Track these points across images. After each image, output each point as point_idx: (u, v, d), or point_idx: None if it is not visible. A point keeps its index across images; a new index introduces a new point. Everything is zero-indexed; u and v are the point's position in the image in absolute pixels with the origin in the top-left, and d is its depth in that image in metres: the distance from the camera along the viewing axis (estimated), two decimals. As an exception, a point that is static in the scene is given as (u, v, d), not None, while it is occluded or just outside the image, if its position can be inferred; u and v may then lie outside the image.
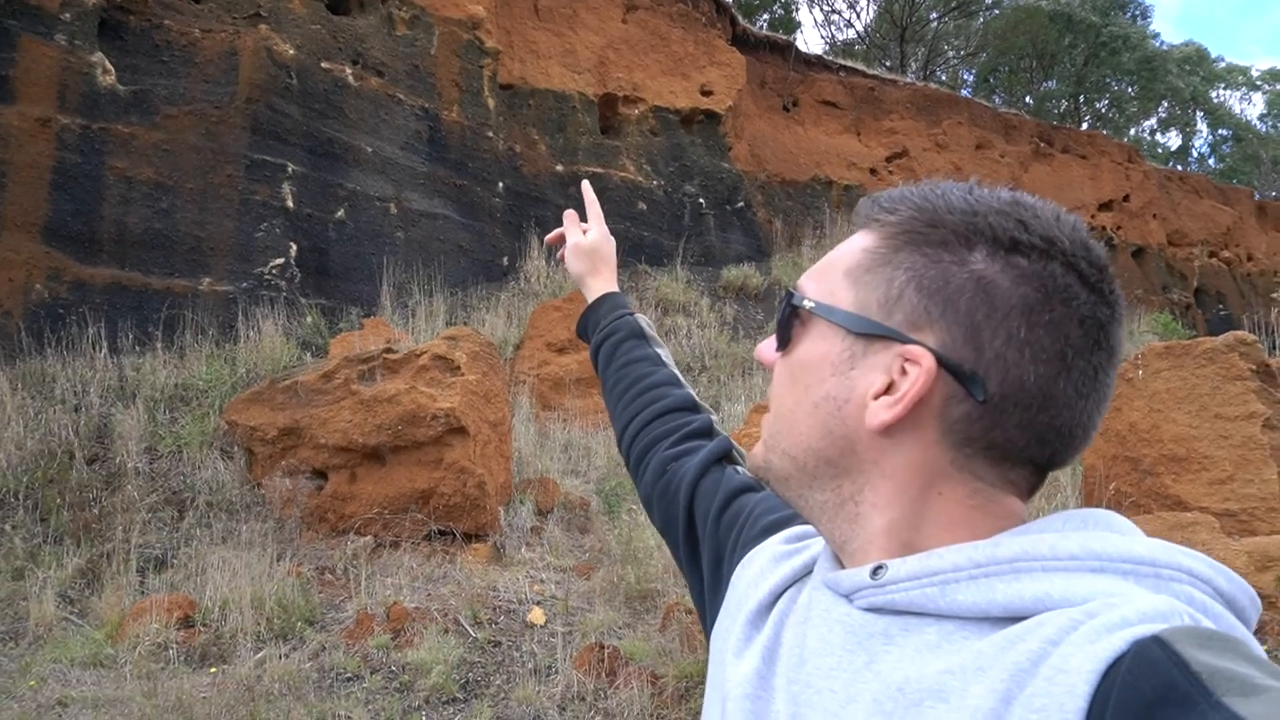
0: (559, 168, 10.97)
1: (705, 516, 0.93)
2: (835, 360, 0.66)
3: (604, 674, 3.96)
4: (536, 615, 4.79)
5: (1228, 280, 18.41)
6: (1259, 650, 0.51)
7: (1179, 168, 20.66)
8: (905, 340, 0.62)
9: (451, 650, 4.17)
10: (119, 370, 6.96)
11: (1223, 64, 25.50)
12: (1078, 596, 0.55)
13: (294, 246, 8.19)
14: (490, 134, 10.25)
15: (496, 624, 4.69)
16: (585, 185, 1.41)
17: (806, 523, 0.78)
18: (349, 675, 4.07)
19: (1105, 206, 16.78)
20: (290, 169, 8.21)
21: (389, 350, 5.78)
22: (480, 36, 10.10)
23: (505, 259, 10.20)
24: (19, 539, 5.33)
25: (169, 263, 7.63)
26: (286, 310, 7.90)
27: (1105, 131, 19.03)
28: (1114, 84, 19.52)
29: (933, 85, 16.14)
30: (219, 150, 7.88)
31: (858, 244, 0.68)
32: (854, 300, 0.66)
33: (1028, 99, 20.24)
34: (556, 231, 1.36)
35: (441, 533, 5.49)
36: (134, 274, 7.48)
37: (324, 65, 8.67)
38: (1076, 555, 0.57)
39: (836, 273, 0.68)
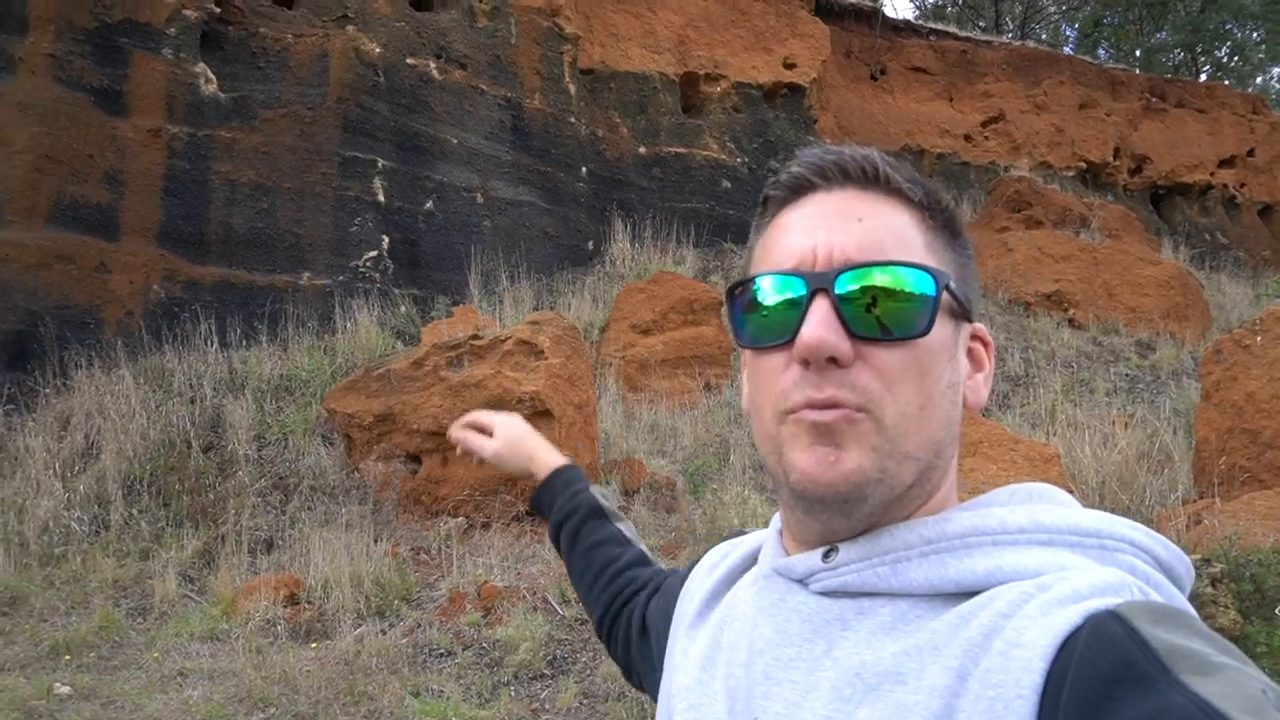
0: (641, 150, 10.97)
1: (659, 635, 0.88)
2: (949, 344, 0.64)
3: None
4: (622, 594, 4.84)
5: (1369, 236, 16.97)
6: (1203, 624, 0.51)
7: (1311, 116, 19.07)
8: (972, 320, 0.67)
9: (539, 628, 4.26)
10: (229, 363, 7.36)
11: (1361, 0, 23.33)
12: (1029, 569, 0.55)
13: (386, 239, 8.47)
14: (572, 119, 10.32)
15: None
16: (451, 436, 1.34)
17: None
18: (442, 651, 4.22)
19: (1227, 163, 15.69)
20: (380, 164, 8.48)
21: (475, 337, 5.93)
22: (559, 23, 10.17)
23: (590, 243, 10.28)
24: (145, 523, 5.71)
25: (271, 260, 8.01)
26: (380, 301, 8.19)
27: (1227, 82, 17.75)
28: (1235, 30, 18.15)
29: (1031, 44, 15.38)
30: (313, 149, 8.20)
31: (906, 215, 0.64)
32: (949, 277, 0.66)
33: (1137, 53, 19.05)
34: (463, 446, 1.32)
35: (529, 514, 5.61)
36: (240, 272, 7.88)
37: (409, 61, 8.89)
38: (1025, 528, 0.57)
39: (918, 248, 0.63)
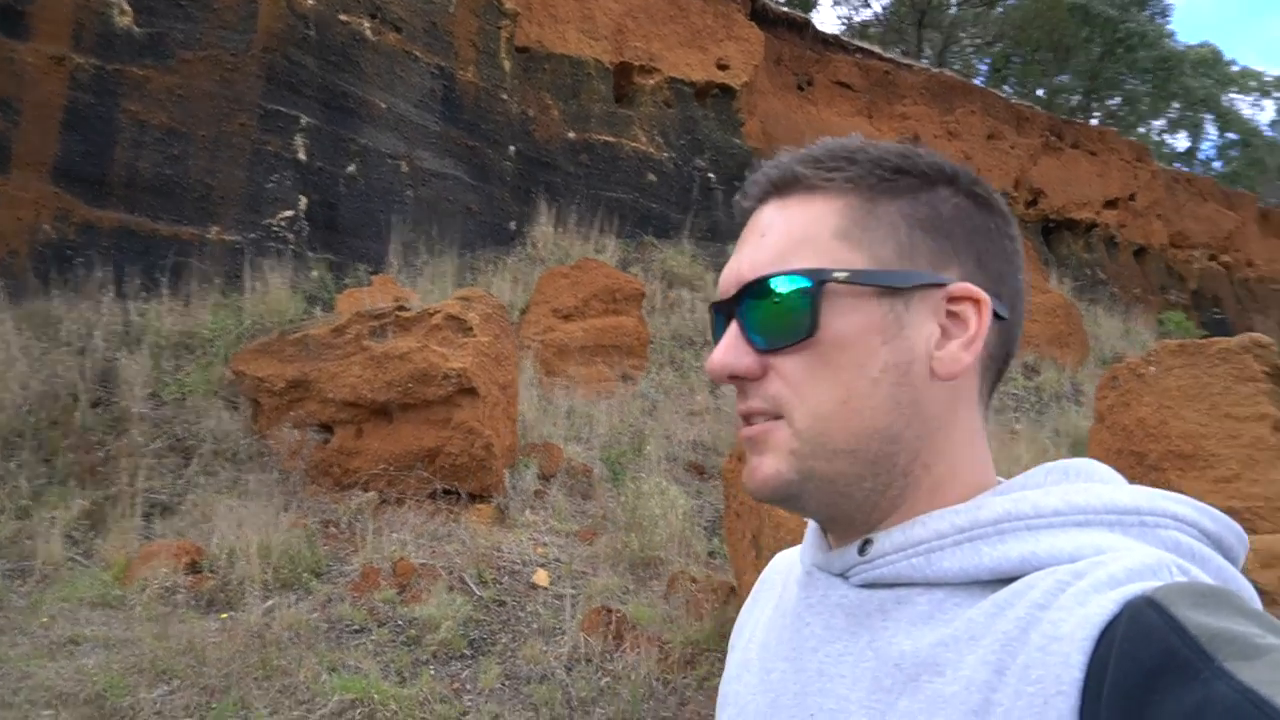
0: (571, 134, 10.89)
1: None
2: (881, 326, 0.60)
3: (610, 637, 4.00)
4: (541, 577, 4.83)
5: (1225, 285, 18.49)
6: (1252, 598, 0.51)
7: (1184, 169, 20.65)
8: (943, 283, 0.61)
9: (459, 607, 4.20)
10: (124, 315, 6.92)
11: (1236, 68, 25.55)
12: (1064, 554, 0.54)
13: (303, 199, 8.14)
14: (504, 96, 10.16)
15: (501, 584, 4.73)
16: None
17: None
18: (356, 627, 4.11)
19: (1111, 204, 16.79)
20: (303, 121, 8.14)
21: (402, 308, 5.77)
22: (499, -3, 9.98)
23: (513, 223, 10.15)
24: (24, 479, 5.32)
25: (178, 209, 7.57)
26: (294, 263, 7.86)
27: (1116, 129, 18.98)
28: (1127, 81, 19.45)
29: (948, 73, 16.05)
30: (233, 98, 7.79)
31: (821, 207, 0.63)
32: (868, 259, 0.61)
33: (1039, 91, 20.14)
34: None
35: (446, 492, 5.52)
36: (143, 219, 7.42)
37: (342, 18, 8.56)
38: (1060, 510, 0.56)
39: (822, 239, 0.62)
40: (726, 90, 12.26)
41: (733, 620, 3.06)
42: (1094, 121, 18.92)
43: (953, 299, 0.61)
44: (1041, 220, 16.18)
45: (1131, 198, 17.02)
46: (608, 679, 3.80)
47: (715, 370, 0.64)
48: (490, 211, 9.90)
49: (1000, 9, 19.77)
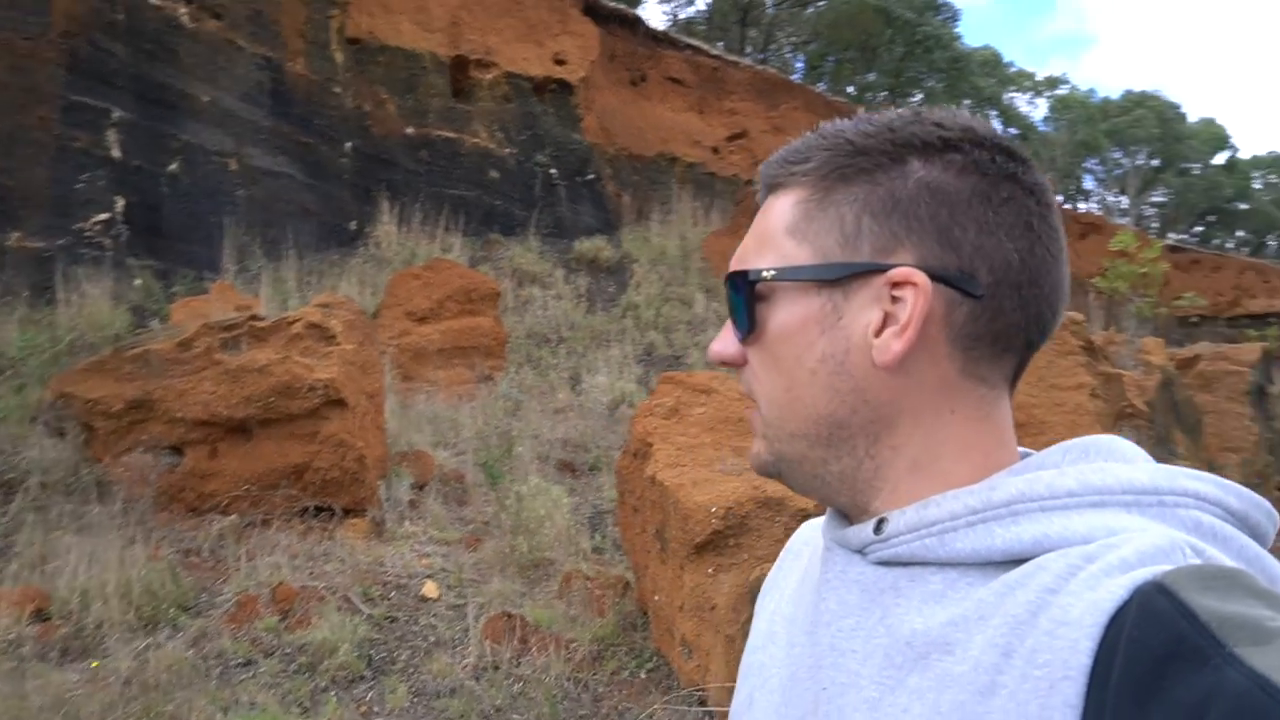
0: (409, 130, 10.56)
1: None
2: (819, 318, 0.62)
3: (515, 642, 3.97)
4: (430, 589, 4.71)
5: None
6: (1268, 576, 0.51)
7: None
8: (884, 268, 0.60)
9: (355, 629, 4.03)
10: (-88, 335, 6.10)
11: (1013, 69, 28.37)
12: (1077, 535, 0.53)
13: (120, 201, 7.46)
14: (338, 90, 9.71)
15: (390, 600, 4.57)
16: None
17: None
18: (242, 661, 3.85)
19: (919, 194, 18.17)
20: (115, 115, 7.44)
21: (255, 317, 5.42)
22: (327, -15, 9.51)
23: (353, 223, 9.74)
24: None
25: (-30, 214, 6.74)
26: (113, 272, 7.19)
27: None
28: (926, 80, 21.11)
29: (771, 70, 16.80)
30: (29, 88, 7.01)
31: (785, 203, 0.65)
32: (812, 252, 0.63)
33: (850, 89, 21.46)
34: None
35: (318, 509, 5.26)
36: (-73, 226, 6.55)
37: (154, 2, 7.88)
38: (1075, 491, 0.55)
39: (777, 236, 0.64)
40: (564, 86, 12.26)
41: (632, 613, 3.14)
42: (899, 117, 20.37)
43: (894, 284, 0.60)
44: (860, 210, 17.28)
45: (935, 188, 18.49)
46: (519, 685, 3.77)
47: (709, 356, 0.68)
48: (329, 211, 9.45)
49: (812, 10, 20.88)
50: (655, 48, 14.62)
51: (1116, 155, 30.02)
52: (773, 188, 0.67)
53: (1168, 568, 0.48)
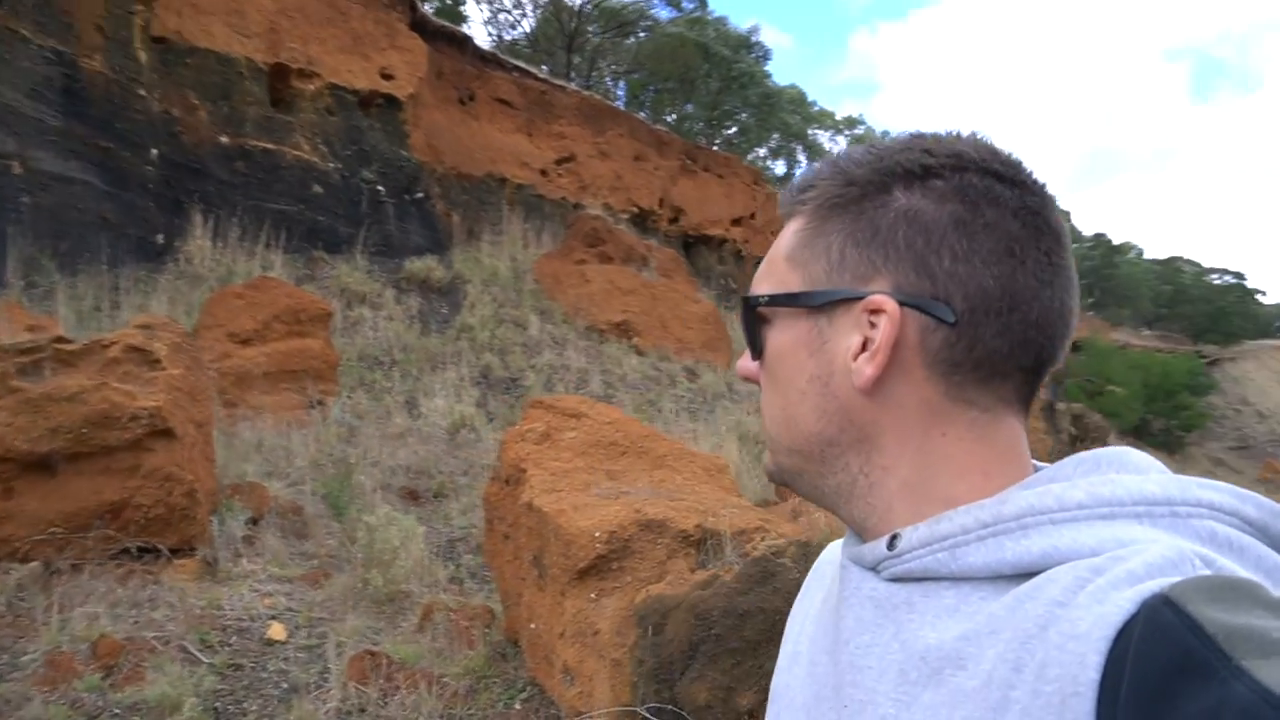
0: (224, 138, 9.87)
1: None
2: (807, 341, 0.65)
3: (382, 681, 3.77)
4: (276, 631, 4.37)
5: (823, 290, 21.87)
6: (1271, 591, 0.49)
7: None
8: (861, 295, 0.62)
9: (200, 680, 3.67)
10: None
11: (816, 108, 30.46)
12: (1086, 547, 0.53)
13: (-124, 206, 6.47)
14: (142, 92, 8.92)
15: (231, 645, 4.20)
16: None
17: None
18: (62, 727, 3.41)
19: (737, 221, 19.04)
20: None
21: (61, 340, 4.86)
22: (130, -22, 8.75)
23: (160, 236, 8.95)
24: None
25: None
26: None
27: (736, 155, 21.52)
28: (739, 114, 22.24)
29: (597, 95, 17.09)
30: None
31: (789, 230, 0.69)
32: (801, 279, 0.66)
33: (670, 118, 22.23)
34: None
35: (141, 550, 4.76)
36: None
37: (-80, -19, 6.94)
38: (1084, 503, 0.55)
39: (779, 263, 0.69)
40: (392, 101, 11.91)
41: (501, 644, 3.12)
42: (716, 148, 21.30)
43: (871, 311, 0.62)
44: (683, 235, 17.87)
45: (752, 216, 19.45)
46: (390, 727, 3.58)
47: (737, 374, 0.74)
48: (132, 223, 8.63)
49: (633, 40, 21.48)
50: (483, 68, 14.51)
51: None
52: (786, 215, 0.71)
53: (1176, 579, 0.47)
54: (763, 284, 0.69)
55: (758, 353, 0.69)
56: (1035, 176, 0.64)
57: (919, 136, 0.65)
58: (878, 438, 0.63)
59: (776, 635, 3.30)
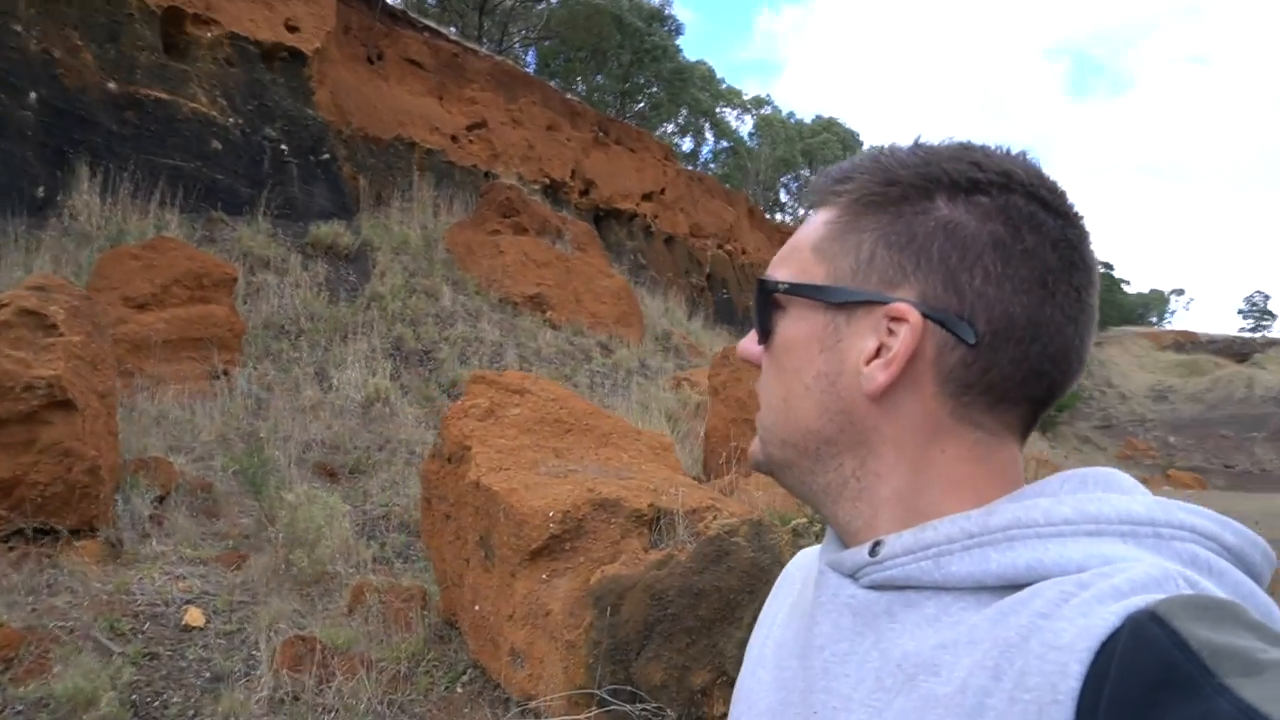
0: (111, 85, 9.14)
1: None
2: (820, 336, 0.64)
3: (315, 668, 3.60)
4: (194, 616, 4.13)
5: (730, 269, 22.15)
6: (1261, 612, 0.51)
7: (693, 169, 24.18)
8: (885, 300, 0.61)
9: (118, 671, 3.42)
10: None
11: (725, 86, 30.61)
12: (1072, 563, 0.53)
13: None
14: (18, 29, 8.16)
15: (145, 633, 3.94)
16: None
17: None
18: (-40, 726, 3.13)
19: (647, 197, 19.00)
20: None
21: (-58, 301, 4.42)
22: (6, -98, 7.96)
23: (41, 189, 8.24)
24: None
25: None
26: None
27: (646, 129, 21.43)
28: (650, 88, 22.12)
29: (510, 61, 16.68)
30: None
31: (819, 219, 0.67)
32: (826, 273, 0.64)
33: (580, 89, 21.93)
34: None
35: (37, 531, 4.40)
36: None
37: None
38: (1071, 519, 0.55)
39: (804, 251, 0.67)
40: (296, 55, 11.30)
41: (438, 625, 3.07)
42: (628, 121, 21.17)
43: (892, 318, 0.61)
44: (594, 209, 17.71)
45: (662, 192, 19.45)
46: (328, 715, 3.43)
47: (737, 354, 0.73)
48: (7, 173, 7.92)
49: (544, 6, 21.05)
50: (393, 26, 13.93)
51: (807, 173, 33.63)
52: (816, 203, 0.69)
53: (1161, 596, 0.48)
54: (781, 269, 0.68)
55: (765, 337, 0.68)
56: (1077, 209, 0.63)
57: (968, 147, 0.64)
58: (876, 444, 0.63)
59: (731, 614, 3.33)
